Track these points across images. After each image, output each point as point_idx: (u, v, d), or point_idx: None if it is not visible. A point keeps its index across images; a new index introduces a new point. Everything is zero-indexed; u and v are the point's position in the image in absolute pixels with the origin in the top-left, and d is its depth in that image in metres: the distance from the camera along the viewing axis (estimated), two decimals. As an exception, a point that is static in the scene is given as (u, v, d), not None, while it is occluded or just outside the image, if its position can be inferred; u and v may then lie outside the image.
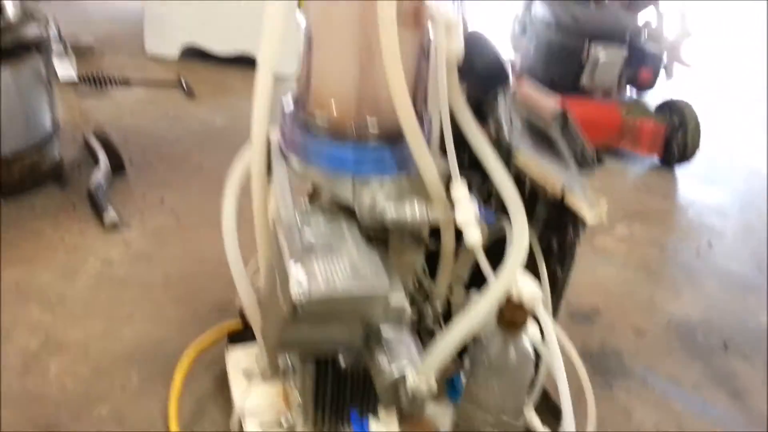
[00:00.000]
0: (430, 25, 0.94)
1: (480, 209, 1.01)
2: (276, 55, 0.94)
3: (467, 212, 0.96)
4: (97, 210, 1.92)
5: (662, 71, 3.19)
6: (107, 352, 1.45)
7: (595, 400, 1.15)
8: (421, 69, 0.99)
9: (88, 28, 3.81)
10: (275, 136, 1.08)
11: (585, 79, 2.92)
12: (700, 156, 2.98)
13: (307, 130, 0.99)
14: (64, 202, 1.99)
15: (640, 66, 2.93)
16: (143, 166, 2.30)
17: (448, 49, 0.94)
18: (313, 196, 1.16)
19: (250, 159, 1.10)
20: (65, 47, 2.99)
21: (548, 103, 1.03)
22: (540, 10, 3.07)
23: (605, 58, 2.85)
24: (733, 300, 2.06)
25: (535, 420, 1.19)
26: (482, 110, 1.13)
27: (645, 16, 4.08)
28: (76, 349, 1.44)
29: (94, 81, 2.89)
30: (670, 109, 2.99)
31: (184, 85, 3.08)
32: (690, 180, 2.96)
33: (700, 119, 2.91)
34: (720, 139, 3.50)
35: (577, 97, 2.95)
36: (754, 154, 3.45)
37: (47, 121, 2.02)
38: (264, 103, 0.99)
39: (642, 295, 2.01)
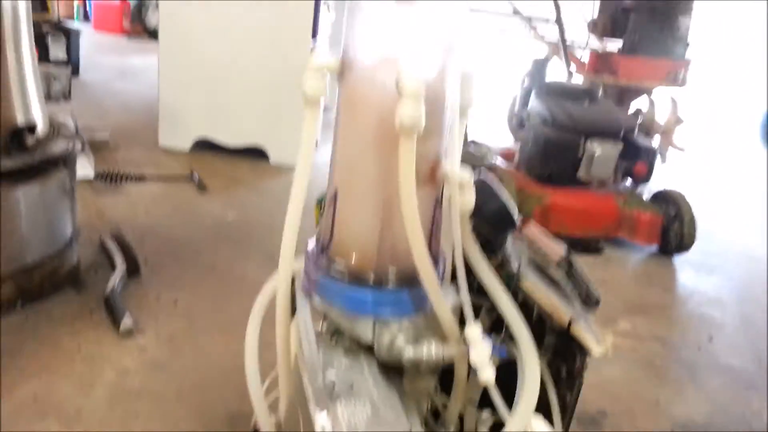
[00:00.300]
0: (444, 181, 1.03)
1: (492, 345, 1.06)
2: (299, 216, 1.02)
3: (481, 353, 1.02)
4: (113, 316, 1.97)
5: (658, 158, 3.32)
6: (124, 470, 1.47)
7: None
8: (436, 216, 1.07)
9: (104, 121, 3.97)
10: (300, 268, 1.15)
11: (582, 172, 3.03)
12: (696, 243, 3.06)
13: (329, 273, 1.06)
14: (81, 307, 2.04)
15: (635, 160, 3.05)
16: (157, 266, 2.36)
17: (461, 203, 1.02)
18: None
19: (274, 289, 1.17)
20: (83, 145, 3.10)
21: (554, 247, 1.10)
22: (536, 106, 3.22)
23: (600, 152, 2.97)
24: (736, 399, 2.09)
25: None
26: (491, 245, 1.21)
27: (638, 104, 4.28)
28: (93, 468, 1.47)
29: (110, 178, 3.00)
30: (666, 200, 3.09)
31: (196, 179, 3.19)
32: (688, 269, 3.03)
33: (694, 211, 3.01)
34: (714, 225, 3.60)
35: (574, 188, 3.07)
36: (748, 240, 3.53)
37: (68, 228, 2.09)
38: (290, 248, 1.07)
39: (647, 396, 2.04)
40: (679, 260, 3.08)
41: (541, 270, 1.15)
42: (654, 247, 3.12)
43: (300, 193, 1.02)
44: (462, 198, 1.02)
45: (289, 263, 1.09)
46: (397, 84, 0.86)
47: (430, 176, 1.01)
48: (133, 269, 2.23)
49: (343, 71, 0.94)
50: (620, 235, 3.08)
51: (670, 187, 3.22)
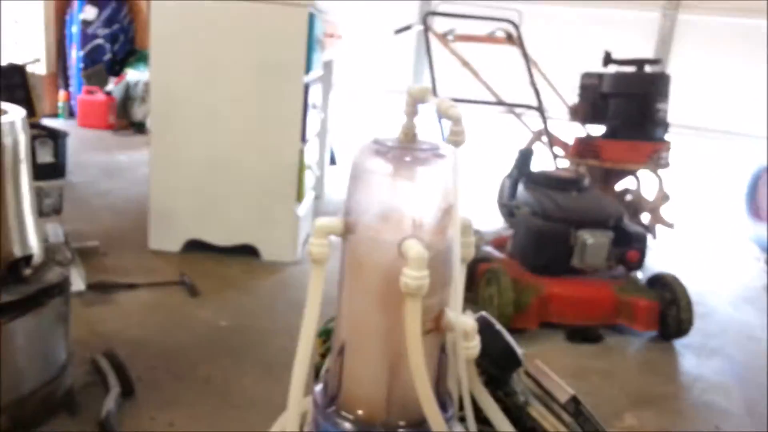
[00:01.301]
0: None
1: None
2: (306, 369, 1.01)
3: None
4: (109, 445, 1.91)
5: (649, 237, 3.35)
6: None
7: None
8: (441, 361, 1.07)
9: (92, 224, 3.98)
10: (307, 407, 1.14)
11: (575, 261, 3.05)
12: (695, 324, 3.04)
13: (338, 426, 1.04)
14: (76, 434, 1.98)
15: (627, 248, 3.07)
16: (151, 384, 2.31)
17: (467, 348, 1.02)
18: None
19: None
20: (72, 256, 3.09)
21: (560, 388, 1.09)
22: (524, 197, 3.28)
23: (593, 242, 3.00)
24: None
25: None
26: (496, 381, 1.20)
27: (624, 184, 4.37)
28: None
29: (100, 288, 2.97)
30: (661, 284, 3.09)
31: (188, 283, 3.17)
32: (689, 354, 3.01)
33: (690, 293, 3.01)
34: (710, 303, 3.60)
35: (570, 278, 3.07)
36: (743, 318, 3.53)
37: (62, 353, 2.06)
38: (298, 399, 1.06)
39: (661, 501, 1.98)
40: (680, 344, 3.06)
41: (548, 406, 1.14)
42: (653, 332, 3.10)
43: (307, 349, 1.01)
44: (467, 343, 1.02)
45: (296, 413, 1.07)
46: (401, 250, 0.88)
47: (435, 325, 1.01)
48: (127, 390, 2.18)
49: (346, 232, 0.95)
50: (619, 322, 3.06)
51: (665, 270, 3.24)
